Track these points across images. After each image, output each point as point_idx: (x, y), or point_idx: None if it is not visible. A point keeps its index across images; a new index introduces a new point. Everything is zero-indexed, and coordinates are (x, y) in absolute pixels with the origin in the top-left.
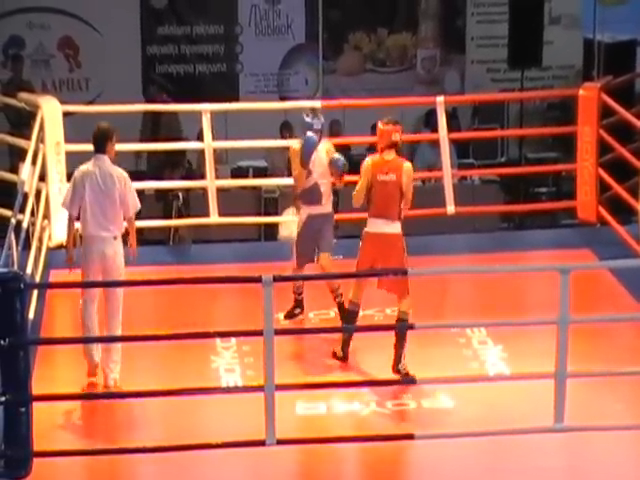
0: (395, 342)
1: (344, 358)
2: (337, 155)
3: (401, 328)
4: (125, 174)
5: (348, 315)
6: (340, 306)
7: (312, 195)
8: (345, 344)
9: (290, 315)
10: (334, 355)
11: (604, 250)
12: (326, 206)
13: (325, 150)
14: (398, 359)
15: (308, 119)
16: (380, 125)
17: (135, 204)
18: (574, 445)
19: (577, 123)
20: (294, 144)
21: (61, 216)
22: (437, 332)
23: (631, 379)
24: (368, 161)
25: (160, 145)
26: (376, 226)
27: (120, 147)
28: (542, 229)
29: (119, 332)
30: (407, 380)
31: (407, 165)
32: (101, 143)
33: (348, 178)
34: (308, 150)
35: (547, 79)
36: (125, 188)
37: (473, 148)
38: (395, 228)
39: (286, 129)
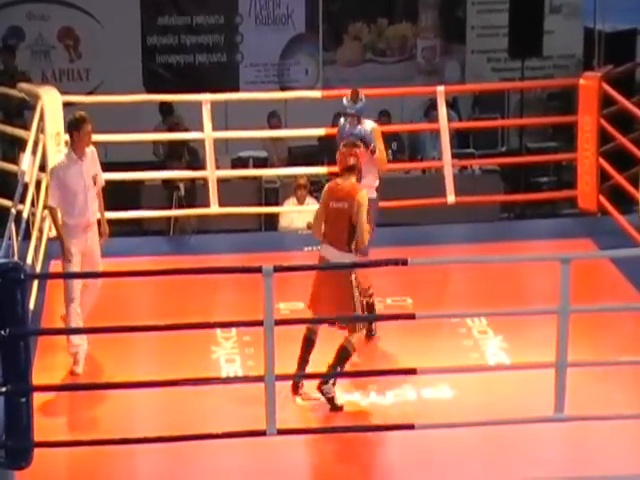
0: (332, 361)
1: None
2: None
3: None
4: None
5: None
6: (369, 306)
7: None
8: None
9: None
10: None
11: (605, 240)
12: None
13: (370, 130)
14: (325, 378)
15: (345, 103)
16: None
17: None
18: (574, 435)
19: (577, 113)
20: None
21: None
22: (437, 322)
23: (631, 369)
24: (325, 187)
25: (160, 135)
26: (326, 251)
27: (119, 137)
28: (542, 219)
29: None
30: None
31: (361, 194)
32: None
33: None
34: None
35: (547, 69)
36: None
37: (473, 138)
38: (342, 259)
39: (274, 118)
